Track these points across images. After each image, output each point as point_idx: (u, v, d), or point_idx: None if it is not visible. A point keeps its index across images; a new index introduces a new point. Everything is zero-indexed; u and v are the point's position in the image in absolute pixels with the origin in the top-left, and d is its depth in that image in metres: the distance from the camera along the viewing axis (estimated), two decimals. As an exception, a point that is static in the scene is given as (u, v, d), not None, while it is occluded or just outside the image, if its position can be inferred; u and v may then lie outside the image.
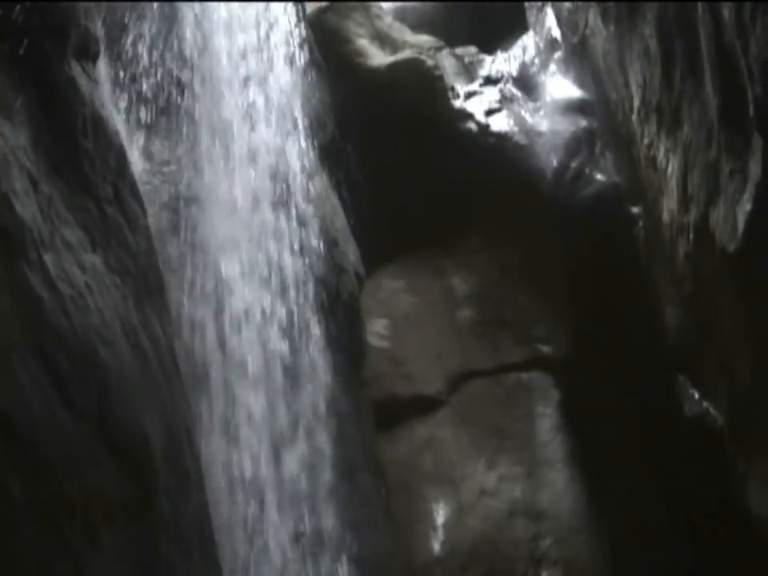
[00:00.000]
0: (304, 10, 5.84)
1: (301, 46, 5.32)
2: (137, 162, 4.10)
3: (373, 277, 6.12)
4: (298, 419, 4.34)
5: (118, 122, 3.92)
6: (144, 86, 4.34)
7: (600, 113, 6.66)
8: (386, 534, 4.56)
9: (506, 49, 7.27)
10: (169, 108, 4.46)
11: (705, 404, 6.01)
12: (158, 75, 4.48)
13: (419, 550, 5.67)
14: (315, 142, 5.32)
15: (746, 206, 4.64)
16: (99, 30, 3.69)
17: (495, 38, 7.49)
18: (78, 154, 3.30)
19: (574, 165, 6.48)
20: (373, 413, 5.24)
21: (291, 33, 5.38)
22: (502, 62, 7.20)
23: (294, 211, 4.88)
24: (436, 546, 5.71)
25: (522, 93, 6.84)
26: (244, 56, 5.01)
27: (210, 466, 3.76)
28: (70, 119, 3.31)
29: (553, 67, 7.06)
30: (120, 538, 2.96)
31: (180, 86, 4.52)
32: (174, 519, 3.21)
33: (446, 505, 5.84)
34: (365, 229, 5.90)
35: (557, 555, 5.85)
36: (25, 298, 2.87)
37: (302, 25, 5.46)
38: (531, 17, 7.64)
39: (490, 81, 7.02)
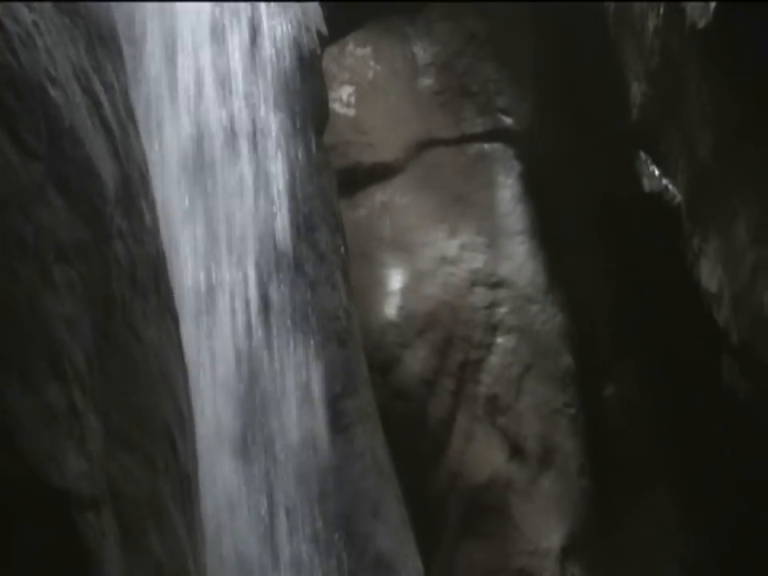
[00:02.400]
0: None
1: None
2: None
3: (339, 44, 5.96)
4: (256, 174, 4.23)
5: None
6: None
7: None
8: (344, 293, 4.54)
9: None
10: None
11: (664, 181, 5.97)
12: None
13: (377, 315, 5.68)
14: None
15: (719, -20, 4.52)
16: None
17: None
18: None
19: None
20: (336, 180, 5.16)
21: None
22: None
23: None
24: (393, 311, 5.72)
25: None
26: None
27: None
28: None
29: None
30: (72, 276, 2.88)
31: None
32: (129, 263, 3.13)
33: (404, 271, 5.83)
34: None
35: (512, 323, 5.90)
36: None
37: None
38: None
39: None
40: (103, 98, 3.33)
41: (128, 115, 3.56)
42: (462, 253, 5.95)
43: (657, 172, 6.03)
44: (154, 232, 3.44)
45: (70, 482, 2.64)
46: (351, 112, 6.06)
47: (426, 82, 6.26)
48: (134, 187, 3.36)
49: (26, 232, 2.79)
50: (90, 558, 2.70)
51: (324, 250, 4.52)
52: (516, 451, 5.69)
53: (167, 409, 3.11)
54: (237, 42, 4.46)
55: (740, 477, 6.07)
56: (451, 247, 5.94)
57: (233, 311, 4.10)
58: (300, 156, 4.49)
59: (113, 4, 3.65)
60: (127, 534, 2.90)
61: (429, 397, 5.67)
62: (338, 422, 4.38)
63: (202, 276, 4.03)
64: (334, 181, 4.96)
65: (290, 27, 4.49)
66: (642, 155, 6.10)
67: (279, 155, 4.37)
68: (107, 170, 3.17)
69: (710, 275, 5.71)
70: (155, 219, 3.48)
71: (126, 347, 3.03)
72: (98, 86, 3.29)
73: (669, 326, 6.23)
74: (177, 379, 3.22)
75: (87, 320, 2.93)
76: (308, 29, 4.71)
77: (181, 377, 3.28)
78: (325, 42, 5.06)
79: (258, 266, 4.19)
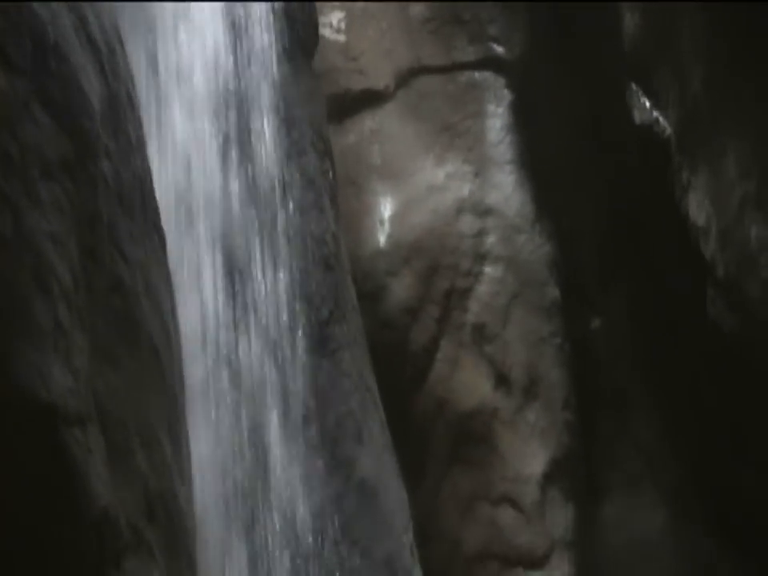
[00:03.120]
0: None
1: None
2: None
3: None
4: (242, 100, 4.18)
5: None
6: None
7: None
8: (332, 218, 4.52)
9: None
10: None
11: (655, 113, 5.94)
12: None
13: (366, 243, 5.68)
14: None
15: None
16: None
17: None
18: None
19: None
20: (326, 106, 5.12)
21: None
22: None
23: None
24: (382, 239, 5.71)
25: None
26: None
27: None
28: None
29: None
30: (58, 194, 2.85)
31: None
32: (115, 181, 3.10)
33: (393, 199, 5.81)
34: None
35: (500, 252, 5.90)
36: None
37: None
38: None
39: None
40: (89, 15, 3.29)
41: (115, 33, 3.52)
42: (448, 181, 5.93)
43: (648, 104, 5.99)
44: (141, 151, 3.41)
45: (56, 397, 2.64)
46: (341, 38, 6.01)
47: (418, 8, 6.18)
48: (121, 106, 3.33)
49: (11, 149, 2.77)
50: (76, 473, 2.70)
51: (312, 175, 4.50)
52: (502, 380, 5.72)
53: (154, 328, 3.10)
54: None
55: (723, 408, 6.11)
56: (438, 176, 5.91)
57: (212, 229, 4.07)
58: (289, 79, 4.45)
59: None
60: (114, 452, 2.90)
61: (413, 324, 5.69)
62: (324, 346, 4.39)
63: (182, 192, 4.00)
64: (324, 105, 4.92)
65: (279, -53, 4.43)
66: (634, 87, 6.05)
67: (267, 78, 4.33)
68: (93, 87, 3.14)
69: (697, 209, 5.71)
70: (142, 138, 3.46)
71: (111, 265, 3.02)
72: (84, 3, 3.25)
73: (656, 259, 6.23)
74: (163, 299, 3.21)
75: (73, 238, 2.91)
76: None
77: (167, 296, 3.27)
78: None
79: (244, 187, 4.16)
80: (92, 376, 2.87)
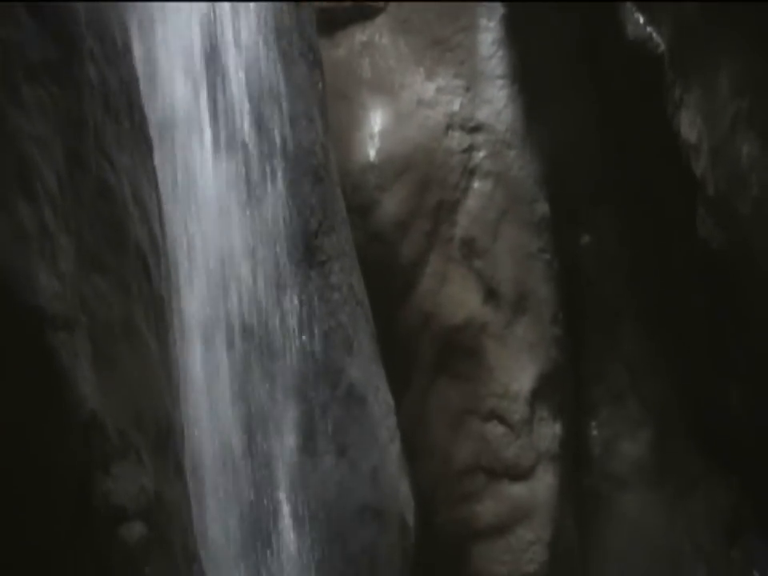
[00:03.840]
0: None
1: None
2: None
3: None
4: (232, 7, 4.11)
5: None
6: None
7: None
8: (321, 128, 4.47)
9: None
10: None
11: (648, 29, 5.86)
12: None
13: (356, 156, 5.62)
14: None
15: None
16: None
17: None
18: None
19: None
20: (315, 16, 5.04)
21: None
22: None
23: None
24: (372, 153, 5.66)
25: None
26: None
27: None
28: None
29: None
30: (42, 97, 2.79)
31: None
32: (101, 86, 3.04)
33: (383, 113, 5.74)
34: None
35: (490, 167, 5.85)
36: None
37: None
38: None
39: None
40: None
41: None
42: (439, 96, 5.85)
43: (641, 19, 5.92)
44: (128, 57, 3.35)
45: (43, 300, 2.62)
46: (332, -51, 5.92)
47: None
48: (106, 9, 3.27)
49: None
50: (63, 377, 2.69)
51: (302, 85, 4.44)
52: (491, 294, 5.71)
53: (140, 233, 3.07)
54: None
55: (711, 326, 6.12)
56: (428, 90, 5.83)
57: (201, 141, 4.03)
58: (277, -10, 4.37)
59: None
60: (101, 357, 2.89)
61: (403, 238, 5.65)
62: (314, 257, 4.37)
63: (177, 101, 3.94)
64: (313, 15, 4.84)
65: None
66: (628, 2, 5.98)
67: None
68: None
69: (689, 126, 5.67)
70: (129, 45, 3.40)
71: (98, 170, 2.98)
72: None
73: (646, 176, 6.20)
74: (150, 205, 3.17)
75: (58, 141, 2.87)
76: None
77: (154, 203, 3.23)
78: None
79: (232, 94, 4.10)
80: (79, 281, 2.85)
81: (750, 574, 6.16)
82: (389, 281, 5.52)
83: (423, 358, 5.55)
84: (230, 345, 3.95)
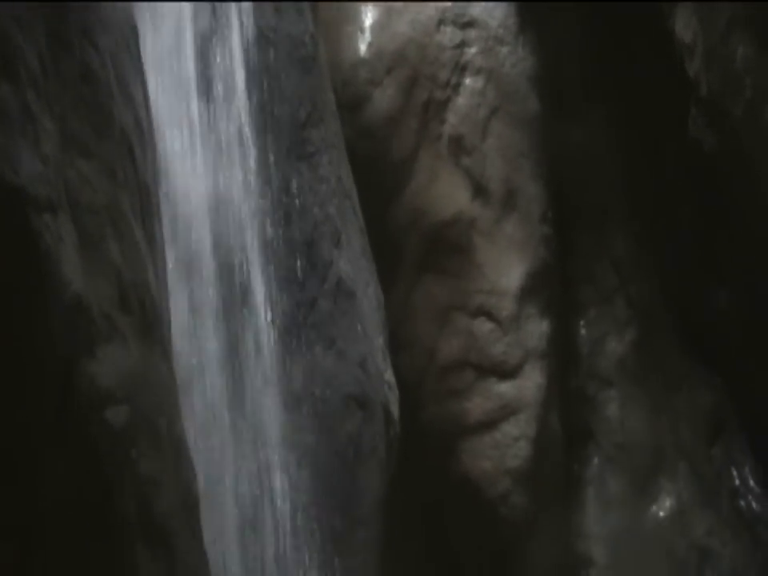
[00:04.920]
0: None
1: None
2: None
3: None
4: None
5: None
6: None
7: None
8: (310, 19, 4.38)
9: None
10: None
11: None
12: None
13: (346, 51, 5.52)
14: None
15: None
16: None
17: None
18: None
19: None
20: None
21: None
22: None
23: None
24: (363, 48, 5.57)
25: None
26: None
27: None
28: None
29: None
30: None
31: None
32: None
33: (374, 7, 5.62)
34: None
35: (481, 64, 5.76)
36: None
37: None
38: None
39: None
40: None
41: None
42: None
43: None
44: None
45: (25, 181, 2.58)
46: None
47: None
48: None
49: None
50: (46, 259, 2.66)
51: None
52: (480, 191, 5.66)
53: (126, 119, 3.02)
54: None
55: (700, 227, 6.10)
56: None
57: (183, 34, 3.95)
58: None
59: None
60: (85, 241, 2.86)
61: (393, 135, 5.57)
62: (302, 149, 4.31)
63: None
64: None
65: None
66: None
67: None
68: None
69: (685, 26, 5.58)
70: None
71: (81, 53, 2.92)
72: None
73: (639, 76, 6.12)
74: (135, 89, 3.12)
75: (41, 23, 2.81)
76: None
77: (139, 87, 3.18)
78: None
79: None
80: (63, 164, 2.81)
81: (728, 472, 6.23)
82: (379, 178, 5.47)
83: (412, 254, 5.52)
84: (215, 232, 3.92)
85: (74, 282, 2.69)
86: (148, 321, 3.01)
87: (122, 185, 2.97)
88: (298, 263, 4.11)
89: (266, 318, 4.04)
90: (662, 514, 6.08)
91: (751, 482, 6.18)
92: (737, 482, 6.19)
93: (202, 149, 4.11)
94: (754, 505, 6.13)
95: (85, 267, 2.79)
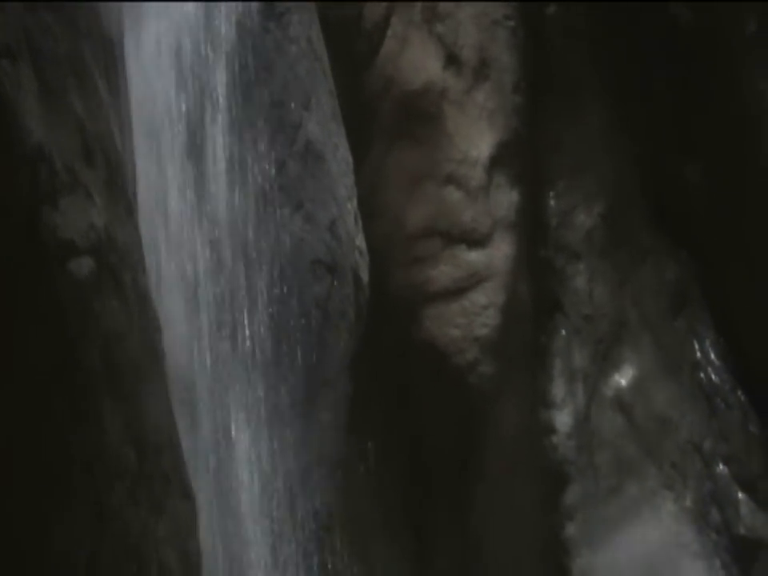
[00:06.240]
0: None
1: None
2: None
3: None
4: None
5: None
6: None
7: None
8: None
9: None
10: None
11: None
12: None
13: None
14: None
15: None
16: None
17: None
18: None
19: None
20: None
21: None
22: None
23: None
24: None
25: None
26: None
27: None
28: None
29: None
30: None
31: None
32: None
33: None
34: None
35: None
36: None
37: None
38: None
39: None
40: None
41: None
42: None
43: None
44: None
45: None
46: None
47: None
48: None
49: None
50: (6, 108, 2.59)
51: None
52: (452, 60, 5.53)
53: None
54: None
55: (674, 100, 6.04)
56: None
57: None
58: None
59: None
60: (47, 92, 2.77)
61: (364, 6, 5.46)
62: (271, 8, 4.20)
63: None
64: None
65: None
66: None
67: None
68: None
69: None
70: None
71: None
72: None
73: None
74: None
75: None
76: None
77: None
78: None
79: None
80: (22, 13, 2.72)
81: (690, 344, 6.29)
82: (352, 45, 5.34)
83: (384, 122, 5.43)
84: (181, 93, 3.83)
85: (35, 132, 2.62)
86: (112, 175, 2.95)
87: (85, 37, 2.89)
88: (267, 125, 4.04)
89: (231, 180, 3.98)
90: (624, 383, 6.15)
91: (712, 355, 6.25)
92: (698, 354, 6.25)
93: (166, 9, 4.00)
94: (713, 377, 6.20)
95: (47, 118, 2.72)
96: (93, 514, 2.86)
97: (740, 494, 5.95)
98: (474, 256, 5.52)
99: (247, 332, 3.99)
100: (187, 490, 3.37)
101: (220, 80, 3.95)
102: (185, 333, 3.88)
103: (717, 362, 6.18)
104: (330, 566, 4.28)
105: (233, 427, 4.00)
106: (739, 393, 6.08)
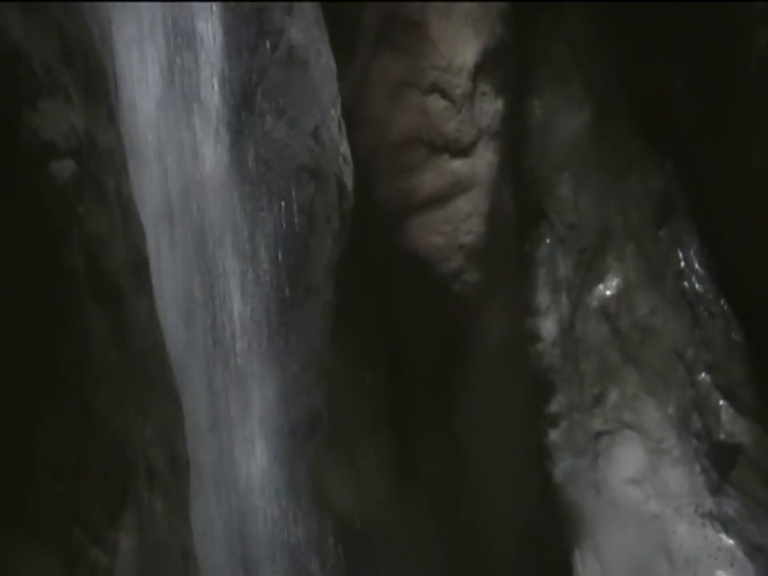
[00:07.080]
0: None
1: None
2: None
3: None
4: None
5: None
6: None
7: None
8: None
9: None
10: None
11: None
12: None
13: None
14: None
15: None
16: None
17: None
18: None
19: None
20: None
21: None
22: None
23: None
24: None
25: None
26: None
27: None
28: None
29: None
30: None
31: None
32: None
33: None
34: None
35: None
36: None
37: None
38: None
39: None
40: None
41: None
42: None
43: None
44: None
45: None
46: None
47: None
48: None
49: None
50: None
51: None
52: (437, -34, 5.48)
53: None
54: None
55: (659, 10, 5.96)
56: None
57: None
58: None
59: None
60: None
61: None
62: None
63: None
64: None
65: None
66: None
67: None
68: None
69: None
70: None
71: None
72: None
73: None
74: None
75: None
76: None
77: None
78: None
79: None
80: None
81: (674, 254, 6.29)
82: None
83: (368, 29, 5.36)
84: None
85: (13, 31, 2.58)
86: (93, 79, 2.90)
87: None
88: (249, 30, 3.98)
89: (214, 86, 3.93)
90: (608, 292, 6.16)
91: (695, 264, 6.25)
92: (682, 263, 6.26)
93: None
94: (696, 286, 6.22)
95: (23, 18, 2.67)
96: (79, 415, 2.87)
97: (721, 401, 6.00)
98: (458, 165, 5.48)
99: (230, 238, 3.97)
100: (174, 393, 3.39)
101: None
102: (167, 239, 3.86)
103: (700, 271, 6.18)
104: (317, 469, 4.32)
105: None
106: (722, 302, 6.09)
